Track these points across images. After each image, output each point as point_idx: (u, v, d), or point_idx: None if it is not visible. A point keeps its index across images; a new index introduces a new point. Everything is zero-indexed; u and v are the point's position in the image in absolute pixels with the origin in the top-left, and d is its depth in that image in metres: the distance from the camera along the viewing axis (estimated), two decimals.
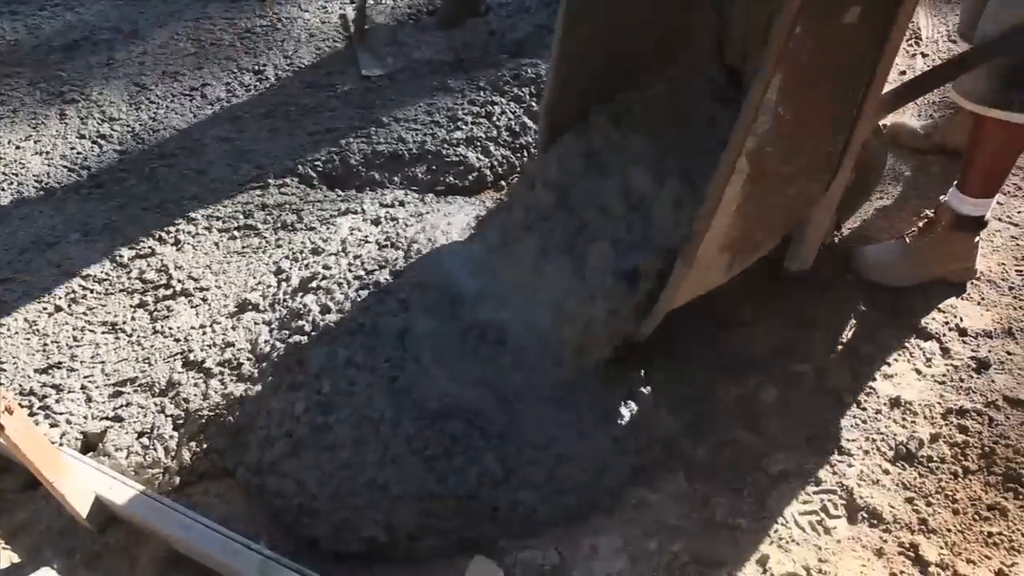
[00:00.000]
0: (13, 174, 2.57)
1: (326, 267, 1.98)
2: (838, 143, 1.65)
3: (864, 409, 1.74)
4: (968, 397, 1.76)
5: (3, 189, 2.51)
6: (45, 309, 2.09)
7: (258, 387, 1.73)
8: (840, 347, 1.86)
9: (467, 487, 1.54)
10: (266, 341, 1.83)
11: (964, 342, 1.88)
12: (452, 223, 2.06)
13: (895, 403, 1.75)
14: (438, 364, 1.68)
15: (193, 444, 1.68)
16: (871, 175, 1.99)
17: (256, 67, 2.97)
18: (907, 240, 2.00)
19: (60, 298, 2.12)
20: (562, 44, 1.74)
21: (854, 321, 1.92)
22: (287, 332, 1.82)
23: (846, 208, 1.99)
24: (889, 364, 1.83)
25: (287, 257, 2.09)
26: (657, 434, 1.66)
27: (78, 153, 2.64)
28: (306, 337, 1.78)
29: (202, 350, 1.87)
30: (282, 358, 1.77)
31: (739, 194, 1.46)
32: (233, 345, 1.85)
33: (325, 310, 1.83)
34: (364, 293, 1.85)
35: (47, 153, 2.65)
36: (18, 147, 2.68)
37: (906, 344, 1.88)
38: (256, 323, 1.90)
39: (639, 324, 1.65)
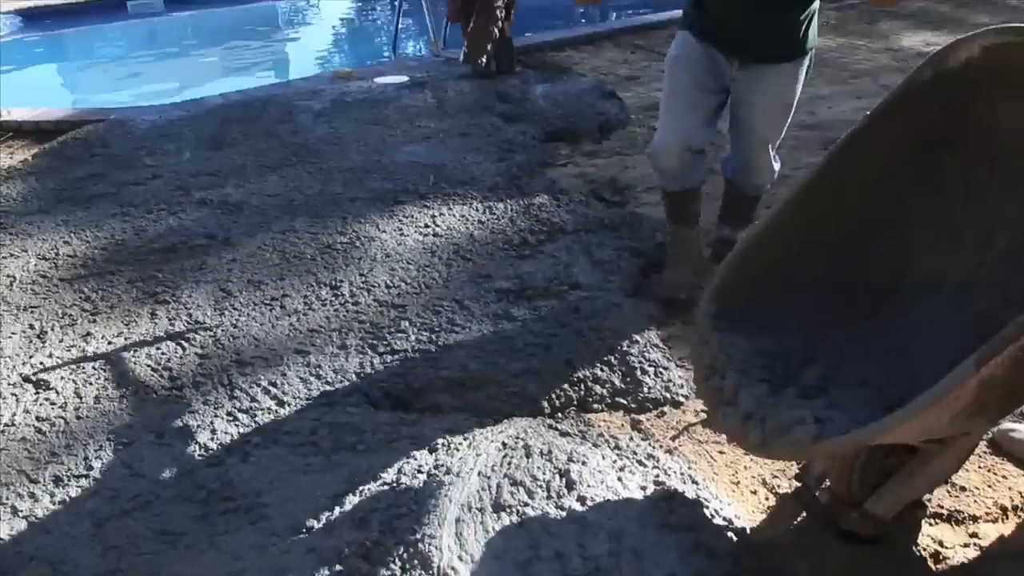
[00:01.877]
0: (101, 370, 2.76)
1: (375, 499, 2.04)
2: None
3: None
4: None
5: (90, 384, 2.69)
6: (112, 511, 2.16)
7: None
8: None
9: None
10: None
11: None
12: (462, 481, 2.08)
13: None
14: None
15: None
16: None
17: (333, 282, 3.22)
18: None
19: (128, 501, 2.19)
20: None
21: None
22: None
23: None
24: None
25: (345, 481, 2.17)
26: None
27: (162, 354, 2.83)
28: None
29: (255, 574, 1.90)
30: None
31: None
32: (283, 574, 1.88)
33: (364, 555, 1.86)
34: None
35: (134, 351, 2.85)
36: (110, 343, 2.90)
37: None
38: (310, 549, 1.93)
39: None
